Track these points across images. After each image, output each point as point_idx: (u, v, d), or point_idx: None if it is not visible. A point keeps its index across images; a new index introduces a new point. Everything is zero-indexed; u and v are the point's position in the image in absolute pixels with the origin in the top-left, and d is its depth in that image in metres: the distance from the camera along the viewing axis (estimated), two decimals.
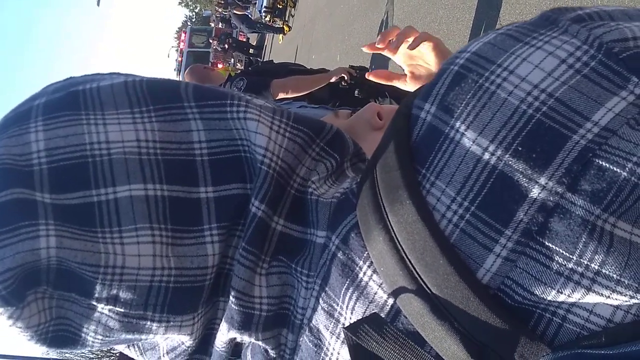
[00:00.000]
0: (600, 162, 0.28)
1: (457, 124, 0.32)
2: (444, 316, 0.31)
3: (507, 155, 0.30)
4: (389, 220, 0.33)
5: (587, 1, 2.51)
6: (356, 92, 2.73)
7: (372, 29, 5.87)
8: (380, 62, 5.32)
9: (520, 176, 0.29)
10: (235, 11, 10.54)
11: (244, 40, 13.03)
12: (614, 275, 0.28)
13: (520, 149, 0.29)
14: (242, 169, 0.39)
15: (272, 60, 3.78)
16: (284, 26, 12.12)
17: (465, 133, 0.31)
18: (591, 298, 0.29)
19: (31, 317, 0.37)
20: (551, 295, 0.30)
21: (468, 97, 0.32)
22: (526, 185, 0.29)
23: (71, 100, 0.39)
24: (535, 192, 0.29)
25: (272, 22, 12.55)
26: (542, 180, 0.29)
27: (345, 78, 2.68)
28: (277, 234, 0.40)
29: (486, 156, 0.30)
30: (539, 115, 0.29)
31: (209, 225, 0.38)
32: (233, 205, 0.39)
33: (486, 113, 0.31)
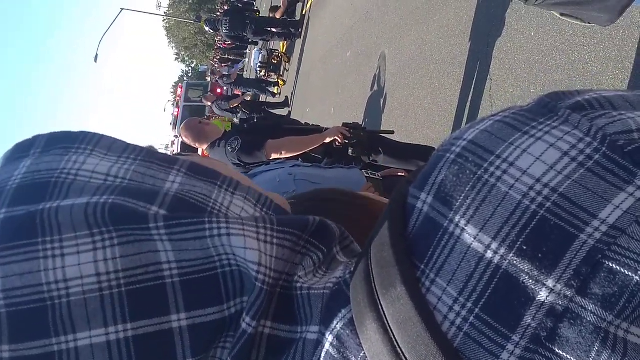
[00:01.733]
0: (611, 265, 0.26)
1: (457, 218, 0.30)
2: None
3: (511, 255, 0.28)
4: (387, 320, 0.31)
5: (574, 53, 2.56)
6: (350, 150, 2.74)
7: (365, 84, 5.97)
8: (373, 117, 5.38)
9: (527, 277, 0.27)
10: (224, 74, 10.64)
11: (240, 94, 13.24)
12: None
13: (524, 247, 0.27)
14: (219, 289, 0.36)
15: (267, 113, 3.82)
16: (279, 80, 12.33)
17: (466, 228, 0.29)
18: None
19: None
20: None
21: (467, 189, 0.30)
22: (533, 287, 0.27)
23: (28, 225, 0.36)
24: (543, 295, 0.27)
25: (268, 76, 12.78)
26: (550, 283, 0.27)
27: (339, 141, 2.70)
28: (265, 337, 0.37)
29: (489, 254, 0.28)
30: (542, 211, 0.27)
31: None
32: (210, 334, 0.36)
33: (487, 207, 0.29)
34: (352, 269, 0.36)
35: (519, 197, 0.28)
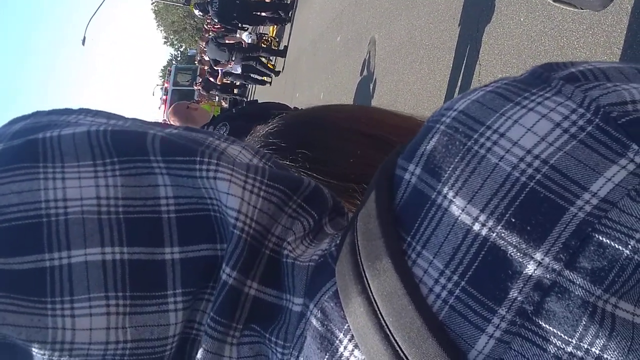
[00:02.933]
0: (600, 238, 0.26)
1: (445, 190, 0.29)
2: None
3: (499, 227, 0.27)
4: (372, 293, 0.31)
5: (563, 40, 2.56)
6: None
7: (355, 68, 5.95)
8: (362, 102, 5.37)
9: (514, 250, 0.27)
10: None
11: (228, 82, 13.13)
12: None
13: (513, 220, 0.27)
14: (212, 229, 0.36)
15: (256, 99, 3.79)
16: (268, 64, 12.23)
17: (454, 200, 0.29)
18: None
19: None
20: None
21: (456, 160, 0.30)
22: (521, 260, 0.27)
23: (29, 150, 0.36)
24: (530, 268, 0.27)
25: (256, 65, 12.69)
26: (538, 256, 0.26)
27: None
28: (251, 298, 0.37)
29: (476, 227, 0.28)
30: (532, 183, 0.27)
31: (174, 291, 0.35)
32: (201, 269, 0.36)
33: (476, 179, 0.29)
34: (338, 241, 0.36)
35: (508, 168, 0.28)
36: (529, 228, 0.27)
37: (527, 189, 0.27)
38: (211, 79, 11.08)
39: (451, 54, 3.69)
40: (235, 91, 14.84)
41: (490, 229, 0.28)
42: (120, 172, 0.36)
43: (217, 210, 0.36)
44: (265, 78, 12.24)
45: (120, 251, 0.34)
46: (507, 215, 0.27)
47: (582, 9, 1.42)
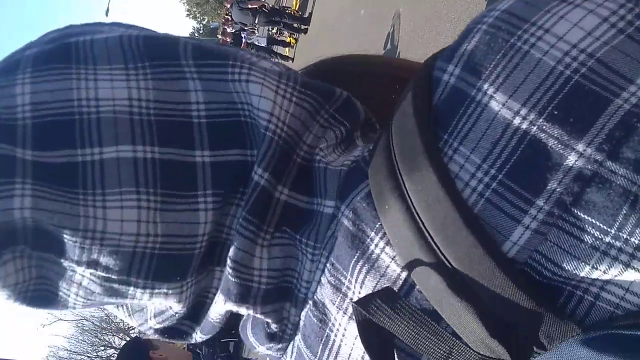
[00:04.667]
0: None
1: (485, 86, 0.29)
2: (463, 292, 0.29)
3: (540, 120, 0.27)
4: (406, 188, 0.31)
5: None
6: None
7: (379, 43, 5.88)
8: None
9: (556, 142, 0.27)
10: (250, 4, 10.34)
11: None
12: None
13: (556, 113, 0.27)
14: (243, 135, 0.37)
15: (281, 62, 3.78)
16: (291, 39, 12.15)
17: (494, 95, 0.29)
18: (629, 275, 0.27)
19: (7, 275, 0.35)
20: (584, 272, 0.27)
21: (498, 57, 0.30)
22: (561, 152, 0.27)
23: (63, 52, 0.37)
24: (571, 159, 0.27)
25: (279, 34, 12.59)
26: (580, 147, 0.26)
27: None
28: (281, 204, 0.37)
29: (517, 120, 0.28)
30: (577, 77, 0.27)
31: (204, 192, 0.36)
32: (231, 172, 0.36)
33: (518, 74, 0.28)
34: (371, 147, 0.36)
35: (552, 62, 0.28)
36: (571, 120, 0.27)
37: (572, 82, 0.27)
38: None
39: None
40: None
41: (531, 122, 0.28)
42: (152, 75, 0.36)
43: (248, 116, 0.37)
44: (291, 39, 12.08)
45: (152, 150, 0.35)
46: (550, 108, 0.27)
47: None
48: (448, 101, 0.32)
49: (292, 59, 12.02)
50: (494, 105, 0.29)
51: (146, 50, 0.37)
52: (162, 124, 0.36)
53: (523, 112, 0.28)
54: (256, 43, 11.15)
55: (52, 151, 0.34)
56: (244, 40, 11.00)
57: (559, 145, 0.27)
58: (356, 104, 0.41)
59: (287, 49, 12.18)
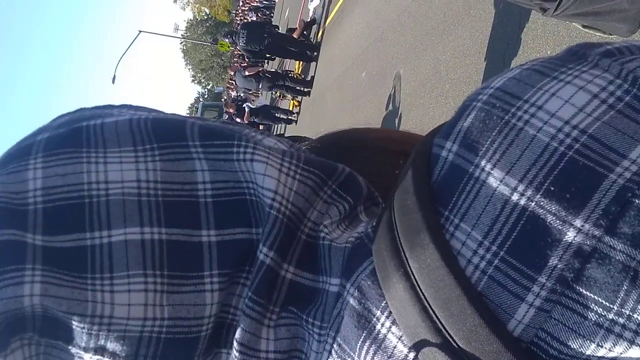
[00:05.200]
0: None
1: (483, 163, 0.30)
2: None
3: (538, 196, 0.27)
4: (410, 266, 0.31)
5: None
6: None
7: (380, 103, 5.99)
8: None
9: (554, 218, 0.27)
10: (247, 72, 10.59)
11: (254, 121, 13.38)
12: None
13: (552, 188, 0.27)
14: (248, 213, 0.37)
15: (283, 134, 3.83)
16: (294, 101, 12.39)
17: (492, 172, 0.29)
18: (634, 352, 0.26)
19: None
20: (590, 349, 0.27)
21: (493, 134, 0.30)
22: (560, 228, 0.27)
23: (74, 137, 0.37)
24: (570, 235, 0.27)
25: (282, 98, 12.86)
26: (578, 223, 0.26)
27: None
28: (287, 282, 0.37)
29: (515, 197, 0.28)
30: (571, 152, 0.27)
31: (210, 272, 0.36)
32: (237, 251, 0.36)
33: (514, 151, 0.29)
34: (375, 223, 0.36)
35: (547, 139, 0.28)
36: (568, 196, 0.27)
37: (566, 158, 0.27)
38: (238, 119, 11.25)
39: (477, 88, 3.69)
40: (261, 127, 15.05)
41: (529, 198, 0.28)
42: (160, 157, 0.37)
43: (253, 194, 0.37)
44: (294, 102, 12.25)
45: (159, 231, 0.35)
46: (546, 184, 0.27)
47: (610, 34, 1.41)
48: (447, 178, 0.32)
49: (296, 122, 12.22)
50: (492, 181, 0.29)
51: (154, 132, 0.38)
52: (170, 205, 0.36)
53: (520, 188, 0.28)
54: (258, 104, 11.39)
55: (62, 235, 0.35)
56: (246, 109, 11.24)
57: (557, 221, 0.27)
58: (358, 179, 0.41)
59: (291, 114, 12.35)
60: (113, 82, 24.60)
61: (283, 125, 12.40)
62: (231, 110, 11.77)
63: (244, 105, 11.46)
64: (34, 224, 0.35)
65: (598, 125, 0.27)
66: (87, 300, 0.34)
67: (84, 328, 0.34)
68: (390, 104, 5.66)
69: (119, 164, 0.36)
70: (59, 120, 0.41)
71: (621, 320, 0.26)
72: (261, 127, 14.01)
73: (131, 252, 0.35)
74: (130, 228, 0.35)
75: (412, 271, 0.31)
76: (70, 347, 0.35)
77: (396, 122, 5.28)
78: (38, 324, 0.34)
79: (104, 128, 0.38)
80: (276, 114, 11.89)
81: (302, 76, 11.67)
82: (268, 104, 11.43)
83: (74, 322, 0.34)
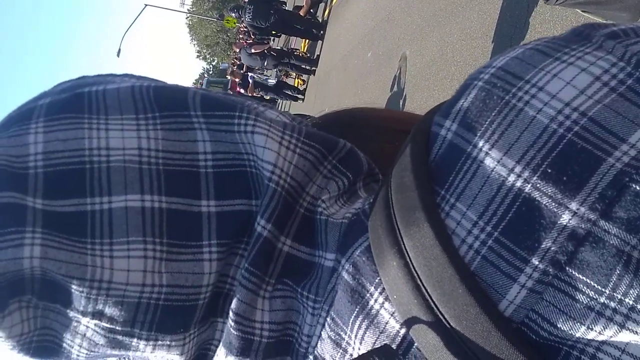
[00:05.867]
0: (638, 188, 0.26)
1: (481, 143, 0.30)
2: (461, 351, 0.29)
3: (534, 178, 0.27)
4: (404, 244, 0.31)
5: None
6: None
7: (385, 84, 5.95)
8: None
9: (549, 200, 0.27)
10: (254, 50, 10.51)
11: (259, 95, 13.29)
12: None
13: (549, 171, 0.27)
14: (248, 185, 0.37)
15: (287, 112, 3.82)
16: (298, 79, 12.31)
17: (490, 152, 0.29)
18: (624, 336, 0.26)
19: (13, 326, 0.35)
20: (580, 332, 0.27)
21: (493, 114, 0.30)
22: (555, 210, 0.27)
23: (75, 102, 0.37)
24: (565, 218, 0.27)
25: (287, 75, 12.77)
26: (573, 206, 0.26)
27: None
28: (284, 255, 0.37)
29: (512, 178, 0.28)
30: (570, 135, 0.27)
31: (209, 242, 0.36)
32: (236, 222, 0.37)
33: (513, 131, 0.29)
34: (372, 199, 0.37)
35: (546, 120, 0.28)
36: (565, 178, 0.27)
37: (565, 141, 0.27)
38: (242, 90, 11.16)
39: None
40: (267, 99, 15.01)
41: (525, 180, 0.28)
42: (161, 126, 0.37)
43: (253, 166, 0.37)
44: (298, 81, 12.15)
45: (159, 200, 0.35)
46: (544, 166, 0.27)
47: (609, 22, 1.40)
48: (445, 157, 0.32)
49: (303, 99, 12.15)
50: (489, 162, 0.29)
51: (156, 100, 0.38)
52: (170, 174, 0.36)
53: (517, 169, 0.28)
54: (266, 83, 11.31)
55: (62, 200, 0.35)
56: (250, 81, 11.15)
57: (553, 204, 0.27)
58: (359, 155, 0.41)
59: (299, 84, 12.23)
60: (118, 55, 24.46)
61: (288, 101, 12.31)
62: (237, 79, 11.66)
63: (249, 76, 11.36)
64: (35, 188, 0.35)
65: (599, 108, 0.27)
66: (87, 264, 0.34)
67: (82, 292, 0.34)
68: (395, 85, 5.63)
69: (121, 131, 0.36)
70: (61, 85, 0.40)
71: (612, 304, 0.26)
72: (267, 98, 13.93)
73: (131, 218, 0.35)
74: (130, 195, 0.35)
75: (406, 249, 0.31)
76: (68, 311, 0.35)
77: (400, 103, 5.25)
78: (37, 287, 0.35)
79: (106, 94, 0.38)
80: (284, 90, 11.82)
81: (308, 55, 11.57)
82: (275, 84, 11.35)
83: (72, 286, 0.34)
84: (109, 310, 0.35)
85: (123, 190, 0.35)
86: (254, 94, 12.07)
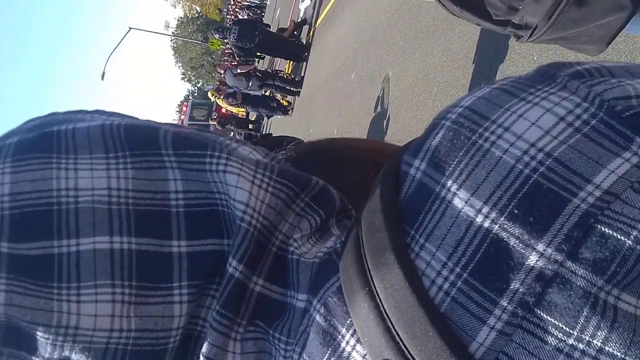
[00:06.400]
0: (603, 229, 0.26)
1: (449, 183, 0.30)
2: None
3: (502, 218, 0.27)
4: (375, 286, 0.31)
5: None
6: None
7: (369, 105, 6.00)
8: (375, 135, 5.39)
9: (517, 241, 0.27)
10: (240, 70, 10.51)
11: (243, 117, 13.27)
12: (619, 354, 0.25)
13: (516, 212, 0.27)
14: (220, 224, 0.37)
15: (271, 133, 3.82)
16: (283, 101, 12.35)
17: (457, 193, 0.29)
18: None
19: None
20: None
21: (460, 154, 0.30)
22: (523, 251, 0.27)
23: (44, 141, 0.36)
24: (532, 259, 0.27)
25: (272, 94, 12.81)
26: (540, 247, 0.26)
27: None
28: (255, 295, 0.37)
29: (479, 219, 0.28)
30: (536, 175, 0.27)
31: (179, 283, 0.35)
32: (208, 262, 0.36)
33: (480, 172, 0.29)
34: (343, 238, 0.36)
35: (512, 161, 0.28)
36: (531, 219, 0.27)
37: (531, 181, 0.27)
38: (231, 99, 11.09)
39: (464, 91, 3.71)
40: (250, 126, 15.00)
41: (492, 220, 0.28)
42: (132, 165, 0.36)
43: (225, 206, 0.37)
44: (283, 102, 12.19)
45: (129, 241, 0.34)
46: (510, 207, 0.27)
47: (580, 53, 1.44)
48: (414, 196, 0.32)
49: (291, 112, 12.10)
50: (458, 202, 0.29)
51: (127, 139, 0.37)
52: (141, 214, 0.35)
53: (485, 210, 0.28)
54: (251, 92, 11.28)
55: (29, 243, 0.34)
56: (237, 90, 11.10)
57: (520, 245, 0.27)
58: (332, 192, 0.41)
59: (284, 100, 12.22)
60: (102, 78, 24.41)
61: (279, 114, 12.29)
62: (222, 97, 11.55)
63: (236, 89, 11.31)
64: (0, 231, 0.34)
65: (563, 149, 0.27)
66: (53, 310, 0.33)
67: (48, 339, 0.33)
68: (379, 106, 5.68)
69: (90, 171, 0.35)
70: (29, 123, 0.39)
71: (581, 345, 0.26)
72: (250, 124, 13.82)
73: (99, 261, 0.34)
74: (99, 237, 0.34)
75: (376, 291, 0.31)
76: (34, 358, 0.34)
77: (384, 124, 5.29)
78: (1, 334, 0.34)
79: (75, 133, 0.37)
80: (271, 103, 11.80)
81: (292, 76, 11.64)
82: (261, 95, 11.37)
83: (38, 333, 0.33)
84: (75, 357, 0.34)
85: (91, 231, 0.34)
86: (240, 117, 12.02)
